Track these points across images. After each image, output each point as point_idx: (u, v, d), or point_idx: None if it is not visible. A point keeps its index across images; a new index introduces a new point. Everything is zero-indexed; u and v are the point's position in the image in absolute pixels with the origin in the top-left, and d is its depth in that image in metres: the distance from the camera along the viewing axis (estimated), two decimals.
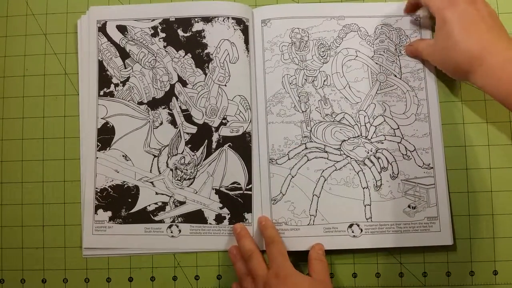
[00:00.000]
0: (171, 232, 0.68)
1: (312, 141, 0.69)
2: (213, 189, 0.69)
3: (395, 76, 0.70)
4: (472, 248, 0.67)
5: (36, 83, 0.73)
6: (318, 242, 0.66)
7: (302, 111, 0.69)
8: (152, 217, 0.69)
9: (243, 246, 0.65)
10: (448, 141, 0.68)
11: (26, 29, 0.74)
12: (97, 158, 0.70)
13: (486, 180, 0.68)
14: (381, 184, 0.67)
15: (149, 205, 0.69)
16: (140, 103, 0.70)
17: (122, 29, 0.72)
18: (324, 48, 0.71)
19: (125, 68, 0.71)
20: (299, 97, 0.70)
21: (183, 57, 0.71)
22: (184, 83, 0.70)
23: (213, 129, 0.69)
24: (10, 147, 0.72)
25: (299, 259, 0.67)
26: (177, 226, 0.69)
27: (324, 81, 0.70)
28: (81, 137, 0.71)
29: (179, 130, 0.70)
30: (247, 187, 0.68)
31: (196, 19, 0.71)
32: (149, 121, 0.70)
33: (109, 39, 0.72)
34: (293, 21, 0.71)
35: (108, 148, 0.70)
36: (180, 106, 0.70)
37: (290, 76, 0.70)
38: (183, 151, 0.69)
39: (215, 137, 0.69)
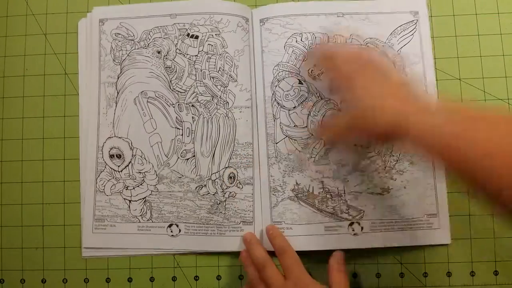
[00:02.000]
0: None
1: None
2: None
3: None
4: (472, 248, 0.67)
5: (36, 83, 0.73)
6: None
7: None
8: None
9: (254, 254, 0.64)
10: None
11: (26, 29, 0.74)
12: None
13: None
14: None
15: None
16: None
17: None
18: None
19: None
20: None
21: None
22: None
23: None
24: (10, 147, 0.72)
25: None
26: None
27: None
28: (81, 136, 0.71)
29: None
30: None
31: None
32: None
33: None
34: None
35: None
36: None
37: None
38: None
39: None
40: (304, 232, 0.67)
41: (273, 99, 0.70)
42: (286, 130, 0.69)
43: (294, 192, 0.68)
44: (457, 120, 0.48)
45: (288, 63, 0.70)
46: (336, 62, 0.59)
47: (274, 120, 0.69)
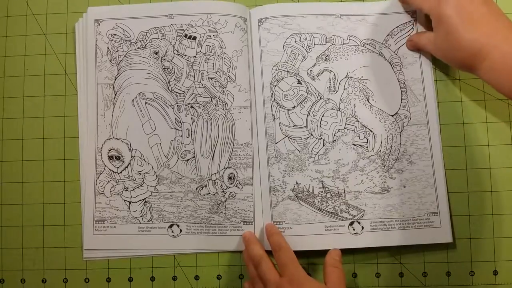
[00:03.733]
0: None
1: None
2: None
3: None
4: (472, 248, 0.67)
5: (36, 83, 0.73)
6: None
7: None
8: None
9: (251, 251, 0.64)
10: (448, 141, 0.68)
11: (26, 29, 0.74)
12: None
13: (486, 180, 0.68)
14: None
15: None
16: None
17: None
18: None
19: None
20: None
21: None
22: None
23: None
24: (10, 147, 0.72)
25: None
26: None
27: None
28: (80, 136, 0.71)
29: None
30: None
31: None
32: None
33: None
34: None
35: None
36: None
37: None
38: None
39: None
40: (305, 232, 0.68)
41: (272, 99, 0.70)
42: (285, 130, 0.69)
43: (294, 192, 0.68)
44: None
45: (287, 63, 0.70)
46: None
47: (274, 120, 0.69)
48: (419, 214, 0.67)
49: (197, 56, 0.70)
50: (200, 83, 0.70)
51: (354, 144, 0.69)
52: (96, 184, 0.70)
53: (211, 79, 0.70)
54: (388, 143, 0.68)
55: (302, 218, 0.68)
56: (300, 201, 0.68)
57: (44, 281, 0.70)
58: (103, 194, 0.70)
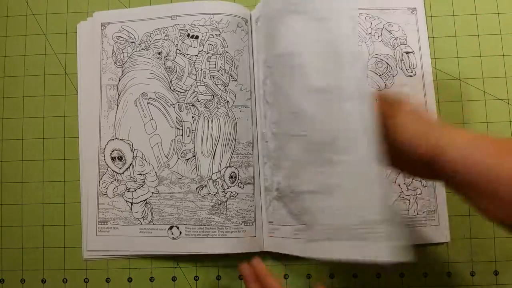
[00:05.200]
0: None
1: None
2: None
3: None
4: (472, 248, 0.67)
5: (36, 83, 0.73)
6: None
7: None
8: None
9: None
10: None
11: (26, 29, 0.74)
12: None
13: None
14: None
15: None
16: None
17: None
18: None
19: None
20: None
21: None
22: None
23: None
24: (10, 147, 0.72)
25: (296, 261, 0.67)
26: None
27: None
28: (80, 137, 0.71)
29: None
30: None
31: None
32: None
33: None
34: None
35: None
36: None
37: None
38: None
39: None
40: (290, 234, 0.64)
41: (264, 97, 0.69)
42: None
43: (277, 192, 0.66)
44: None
45: None
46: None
47: (265, 119, 0.69)
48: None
49: (199, 54, 0.70)
50: (201, 81, 0.70)
51: None
52: (99, 185, 0.70)
53: (213, 77, 0.70)
54: None
55: (287, 220, 0.64)
56: (283, 201, 0.67)
57: (44, 281, 0.70)
58: (106, 195, 0.70)
